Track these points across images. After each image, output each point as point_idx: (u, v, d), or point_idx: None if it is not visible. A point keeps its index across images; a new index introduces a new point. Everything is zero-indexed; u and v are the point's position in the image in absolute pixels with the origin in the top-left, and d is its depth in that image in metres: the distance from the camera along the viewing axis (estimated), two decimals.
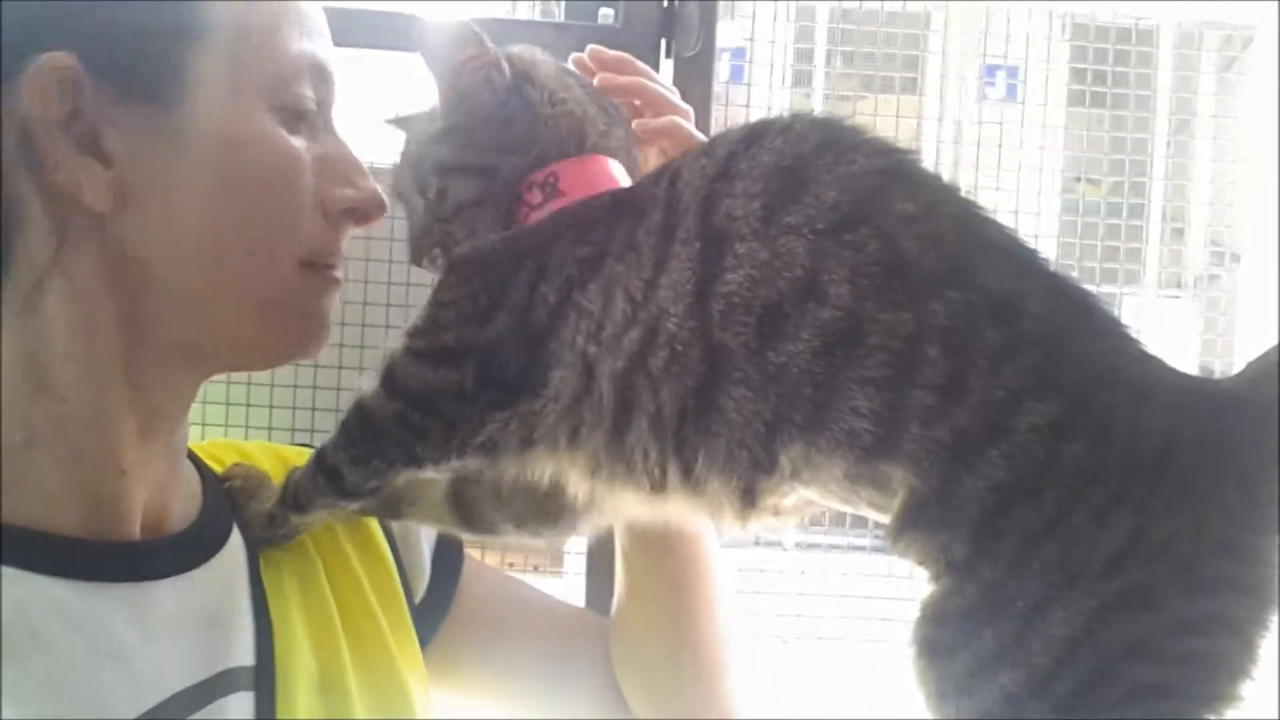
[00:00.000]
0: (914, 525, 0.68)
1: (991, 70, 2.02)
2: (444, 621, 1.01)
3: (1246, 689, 0.69)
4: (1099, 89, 1.76)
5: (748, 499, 0.67)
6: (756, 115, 1.64)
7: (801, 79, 1.77)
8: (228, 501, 0.86)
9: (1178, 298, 2.16)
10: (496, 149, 0.83)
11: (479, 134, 0.84)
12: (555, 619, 1.10)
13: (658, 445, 0.68)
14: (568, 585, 1.53)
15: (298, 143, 0.78)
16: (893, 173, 0.71)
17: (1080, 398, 0.68)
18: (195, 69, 0.73)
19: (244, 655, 0.82)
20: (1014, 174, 1.73)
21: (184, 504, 0.84)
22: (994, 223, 0.71)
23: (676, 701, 1.03)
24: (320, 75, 0.80)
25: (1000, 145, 1.73)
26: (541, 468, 0.76)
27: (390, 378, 0.79)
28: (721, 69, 1.76)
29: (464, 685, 1.05)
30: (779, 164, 0.69)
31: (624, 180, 0.83)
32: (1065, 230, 1.86)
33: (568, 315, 0.74)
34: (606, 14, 1.41)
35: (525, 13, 1.68)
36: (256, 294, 0.78)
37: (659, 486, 0.71)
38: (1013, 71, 1.90)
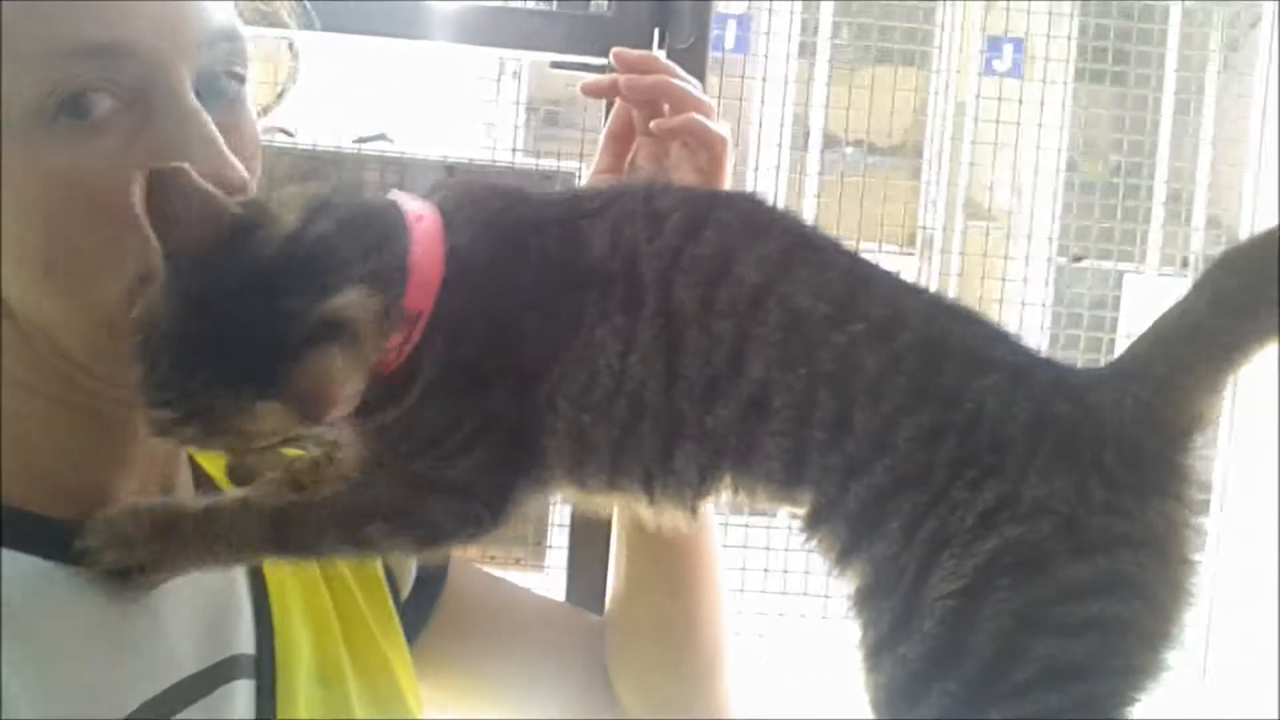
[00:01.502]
0: (813, 527, 0.78)
1: (997, 44, 2.01)
2: (430, 621, 1.02)
3: (1170, 657, 0.70)
4: (1101, 66, 1.75)
5: (693, 514, 0.80)
6: (757, 87, 1.64)
7: (807, 49, 1.76)
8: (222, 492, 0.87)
9: (1184, 276, 2.17)
10: None
11: None
12: (543, 617, 1.12)
13: (643, 482, 0.80)
14: (549, 580, 1.54)
15: (88, 147, 0.72)
16: (796, 246, 0.82)
17: (955, 394, 0.76)
18: None
19: (245, 643, 0.83)
20: (1015, 150, 1.73)
21: (185, 496, 0.85)
22: (877, 266, 0.83)
23: (675, 701, 1.04)
24: (110, 56, 0.73)
25: (999, 121, 1.73)
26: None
27: (412, 522, 0.82)
28: (726, 37, 1.76)
29: (451, 685, 1.06)
30: (712, 254, 0.77)
31: None
32: (1067, 208, 1.86)
33: (546, 386, 0.82)
34: (599, 3, 1.40)
35: (517, 1, 1.67)
36: (93, 318, 0.75)
37: (648, 506, 0.80)
38: (1018, 46, 1.90)
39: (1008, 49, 1.99)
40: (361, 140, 1.50)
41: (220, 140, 0.78)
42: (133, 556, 0.77)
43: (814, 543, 0.78)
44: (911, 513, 0.73)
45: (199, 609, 0.82)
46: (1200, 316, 0.74)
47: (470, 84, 1.60)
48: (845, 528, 0.76)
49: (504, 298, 0.79)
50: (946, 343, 0.77)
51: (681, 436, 0.78)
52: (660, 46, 1.35)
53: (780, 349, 0.76)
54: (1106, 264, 1.83)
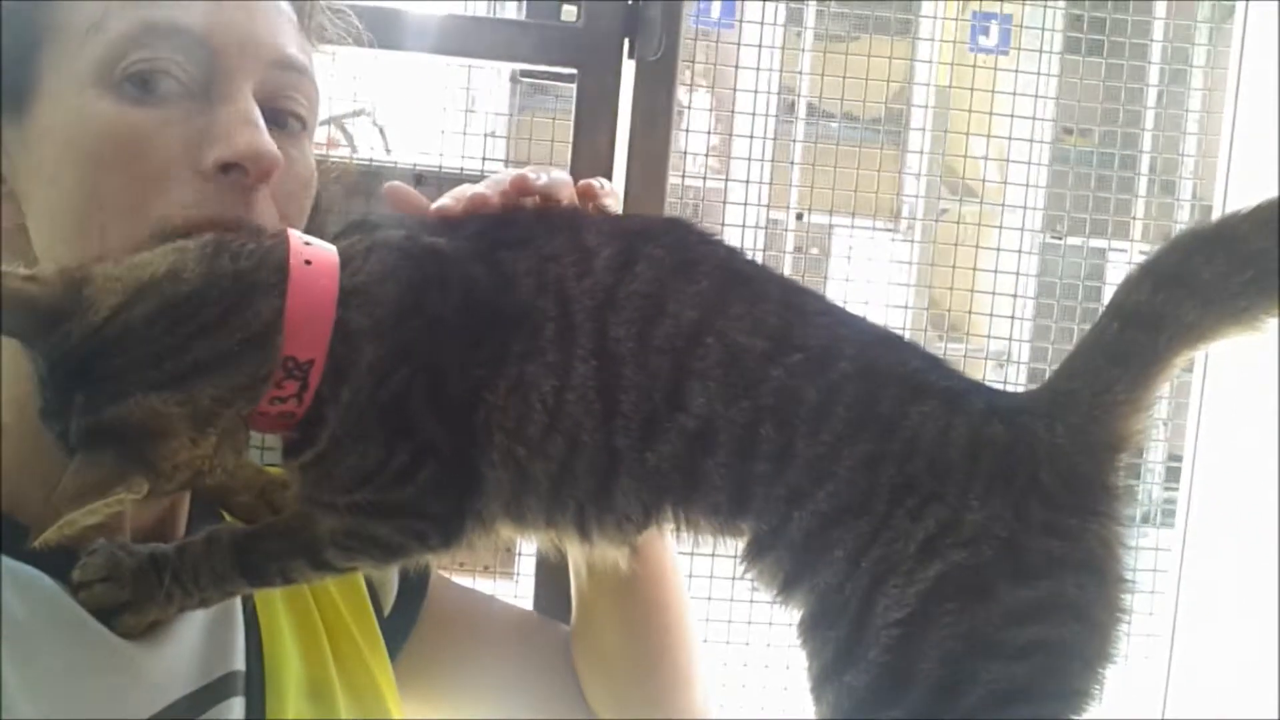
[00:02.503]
0: (755, 557, 0.80)
1: (985, 19, 2.00)
2: (411, 635, 1.02)
3: (1106, 678, 0.69)
4: (1096, 36, 1.74)
5: (632, 550, 0.85)
6: (748, 55, 1.62)
7: (794, 16, 1.74)
8: (211, 512, 0.87)
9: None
10: None
11: None
12: (517, 628, 1.12)
13: (575, 520, 0.81)
14: (518, 588, 1.54)
15: (146, 111, 0.76)
16: (729, 282, 0.83)
17: (893, 421, 0.77)
18: (44, 72, 0.74)
19: (239, 660, 0.83)
20: (1007, 121, 1.72)
21: (180, 515, 0.85)
22: (813, 294, 0.84)
23: (649, 711, 1.05)
24: (172, 37, 0.77)
25: (990, 91, 1.72)
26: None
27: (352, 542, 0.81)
28: (713, 7, 1.74)
29: (430, 696, 1.06)
30: (646, 293, 0.77)
31: None
32: (1055, 180, 1.86)
33: (481, 415, 0.81)
34: (570, 11, 1.38)
35: (484, 11, 1.65)
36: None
37: (581, 543, 0.82)
38: (1006, 19, 1.89)
39: (994, 24, 1.98)
40: (338, 118, 1.48)
41: (261, 124, 0.79)
42: (121, 595, 0.77)
43: (755, 573, 0.78)
44: (854, 541, 0.72)
45: (199, 626, 0.81)
46: (1114, 336, 0.74)
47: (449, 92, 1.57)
48: (789, 557, 0.76)
49: (421, 333, 0.77)
50: (881, 371, 0.76)
51: (618, 474, 0.78)
52: (630, 56, 1.33)
53: (721, 384, 0.76)
54: (1094, 241, 1.82)
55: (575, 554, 0.86)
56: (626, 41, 1.35)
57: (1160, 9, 1.84)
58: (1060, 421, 0.73)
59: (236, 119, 0.77)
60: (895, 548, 0.73)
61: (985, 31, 2.03)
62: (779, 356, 0.77)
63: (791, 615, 0.80)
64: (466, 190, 0.86)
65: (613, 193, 0.92)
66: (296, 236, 0.77)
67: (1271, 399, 1.69)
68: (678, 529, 0.80)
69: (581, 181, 0.90)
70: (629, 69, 1.37)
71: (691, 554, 1.26)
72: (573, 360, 0.78)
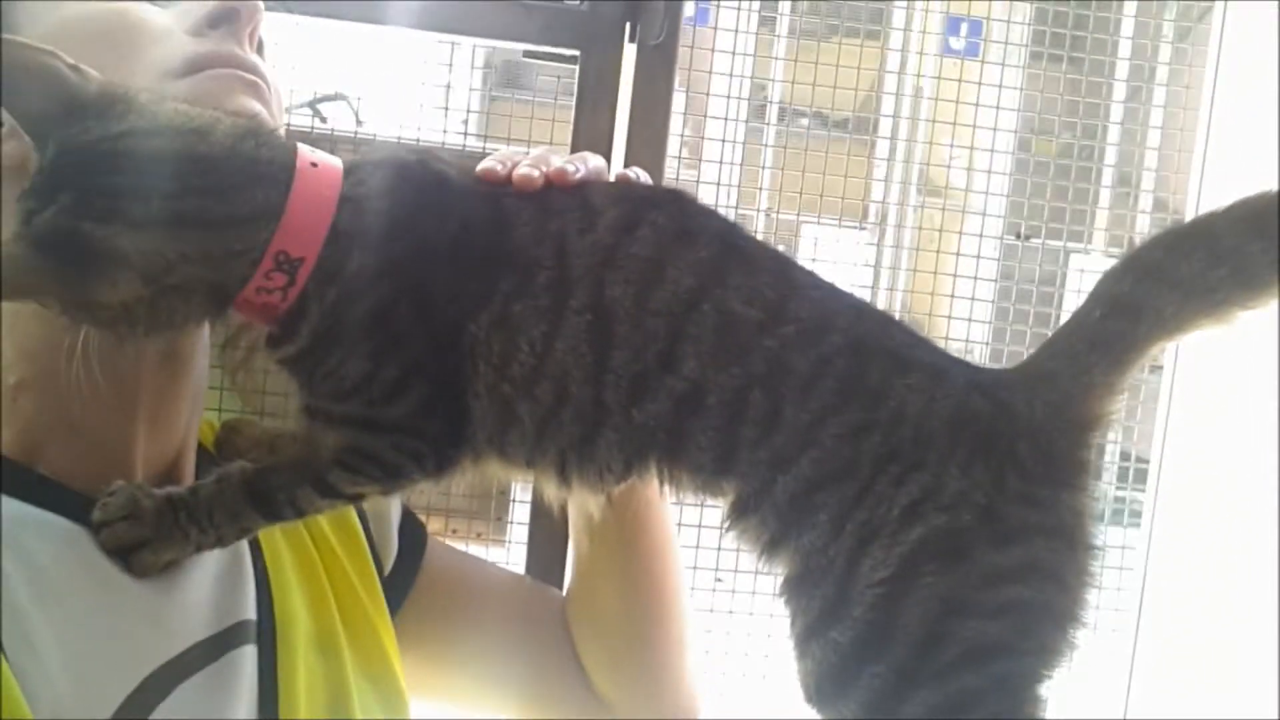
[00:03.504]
0: (738, 517, 0.83)
1: (955, 24, 2.03)
2: (409, 595, 1.04)
3: (1076, 638, 0.74)
4: (1057, 51, 1.78)
5: (608, 499, 0.87)
6: (721, 60, 1.65)
7: (767, 22, 1.77)
8: (217, 466, 0.89)
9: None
10: None
11: None
12: (514, 593, 1.14)
13: (556, 464, 0.83)
14: (510, 555, 1.56)
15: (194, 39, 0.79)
16: (727, 253, 0.85)
17: (880, 393, 0.79)
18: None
19: (249, 610, 0.85)
20: (970, 129, 1.76)
21: (187, 468, 0.88)
22: (805, 270, 0.87)
23: (642, 680, 1.07)
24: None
25: (956, 102, 1.75)
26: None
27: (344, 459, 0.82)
28: (686, 8, 1.76)
29: (426, 659, 1.08)
30: (647, 256, 0.82)
31: None
32: (1017, 188, 1.89)
33: (465, 344, 0.83)
34: None
35: None
36: None
37: (559, 487, 0.83)
38: (975, 27, 1.92)
39: (964, 28, 2.01)
40: (317, 101, 1.50)
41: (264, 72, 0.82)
42: (141, 532, 0.79)
43: (739, 532, 0.81)
44: (839, 505, 0.76)
45: (212, 574, 0.84)
46: (1095, 322, 0.78)
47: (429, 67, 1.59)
48: (774, 518, 0.79)
49: (412, 252, 0.80)
50: (870, 345, 0.80)
51: (603, 427, 0.81)
52: (631, 40, 1.36)
53: (714, 350, 0.80)
54: (1054, 242, 1.86)
55: (553, 496, 0.88)
56: (628, 26, 1.38)
57: (1129, 12, 1.88)
58: (1039, 399, 0.77)
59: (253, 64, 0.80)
60: (879, 512, 0.77)
61: (956, 34, 2.06)
62: (773, 327, 0.80)
63: (774, 576, 0.83)
64: (512, 155, 0.89)
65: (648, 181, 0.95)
66: (305, 147, 0.80)
67: (1241, 398, 1.73)
68: (661, 484, 0.83)
69: (619, 172, 0.93)
70: (630, 54, 1.39)
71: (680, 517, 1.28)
72: (565, 311, 0.81)
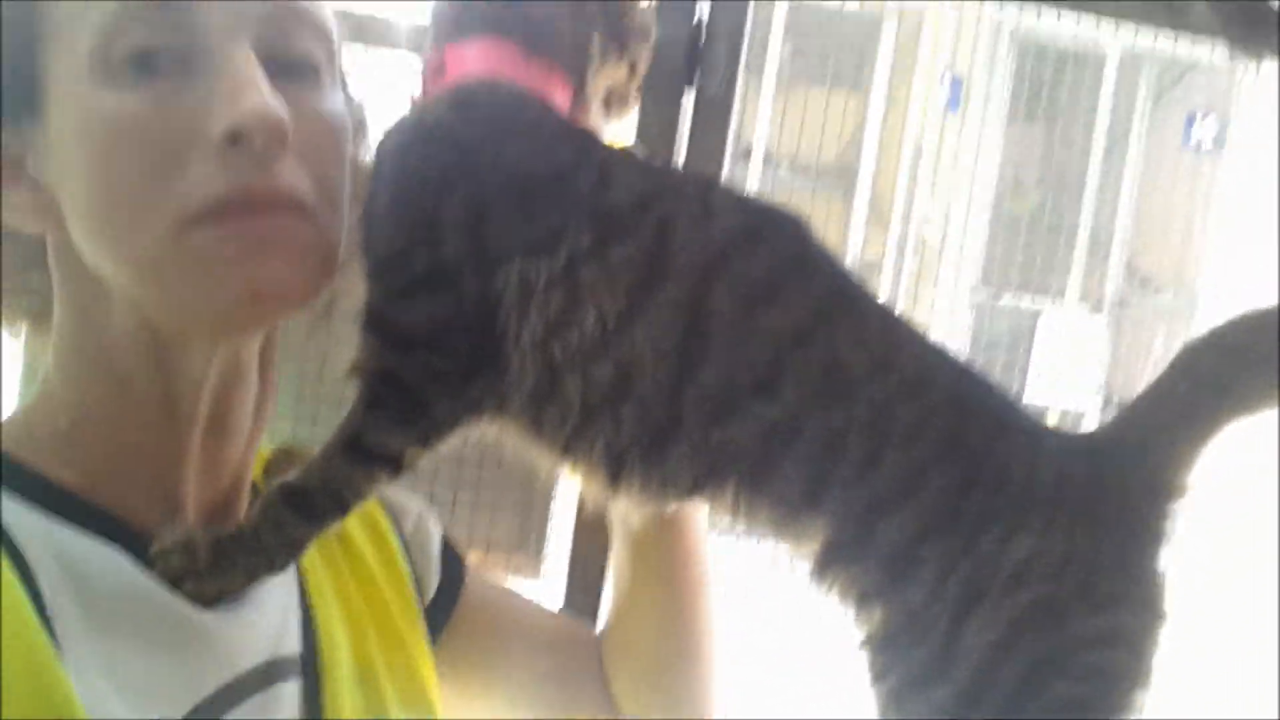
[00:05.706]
0: (833, 563, 0.78)
1: (939, 79, 2.06)
2: (448, 625, 1.03)
3: (1142, 699, 0.76)
4: (1035, 107, 1.81)
5: (663, 513, 0.81)
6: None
7: (752, 67, 1.79)
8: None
9: (1099, 314, 2.22)
10: None
11: None
12: (550, 627, 1.13)
13: (607, 462, 0.78)
14: (546, 586, 1.54)
15: (146, 95, 0.75)
16: (841, 293, 0.82)
17: (982, 451, 0.77)
18: (49, 70, 0.74)
19: (294, 643, 0.85)
20: (955, 177, 1.78)
21: (241, 499, 0.86)
22: (904, 322, 0.84)
23: (673, 711, 1.06)
24: (154, 12, 0.76)
25: (936, 155, 1.78)
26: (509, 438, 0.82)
27: (378, 330, 0.80)
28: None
29: (461, 689, 1.07)
30: (761, 278, 0.79)
31: None
32: (993, 240, 1.92)
33: (511, 288, 0.78)
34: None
35: None
36: (134, 255, 0.76)
37: (606, 488, 0.79)
38: (956, 84, 1.95)
39: (946, 80, 2.05)
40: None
41: (261, 83, 0.77)
42: (197, 562, 0.78)
43: (831, 580, 0.79)
44: (943, 560, 0.75)
45: (258, 606, 0.83)
46: (1182, 394, 0.80)
47: None
48: (877, 568, 0.77)
49: (486, 167, 0.78)
50: (972, 405, 0.79)
51: (678, 439, 0.77)
52: (689, 84, 1.36)
53: (818, 388, 0.77)
54: (1029, 300, 1.88)
55: (597, 498, 0.84)
56: (688, 70, 1.37)
57: (1107, 86, 1.91)
58: (1129, 466, 0.78)
59: (233, 84, 0.73)
60: (984, 572, 0.76)
61: (939, 89, 2.09)
62: (878, 376, 0.77)
63: (863, 627, 0.81)
64: None
65: None
66: None
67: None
68: (735, 510, 0.79)
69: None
70: (688, 102, 1.38)
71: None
72: (654, 299, 0.76)
